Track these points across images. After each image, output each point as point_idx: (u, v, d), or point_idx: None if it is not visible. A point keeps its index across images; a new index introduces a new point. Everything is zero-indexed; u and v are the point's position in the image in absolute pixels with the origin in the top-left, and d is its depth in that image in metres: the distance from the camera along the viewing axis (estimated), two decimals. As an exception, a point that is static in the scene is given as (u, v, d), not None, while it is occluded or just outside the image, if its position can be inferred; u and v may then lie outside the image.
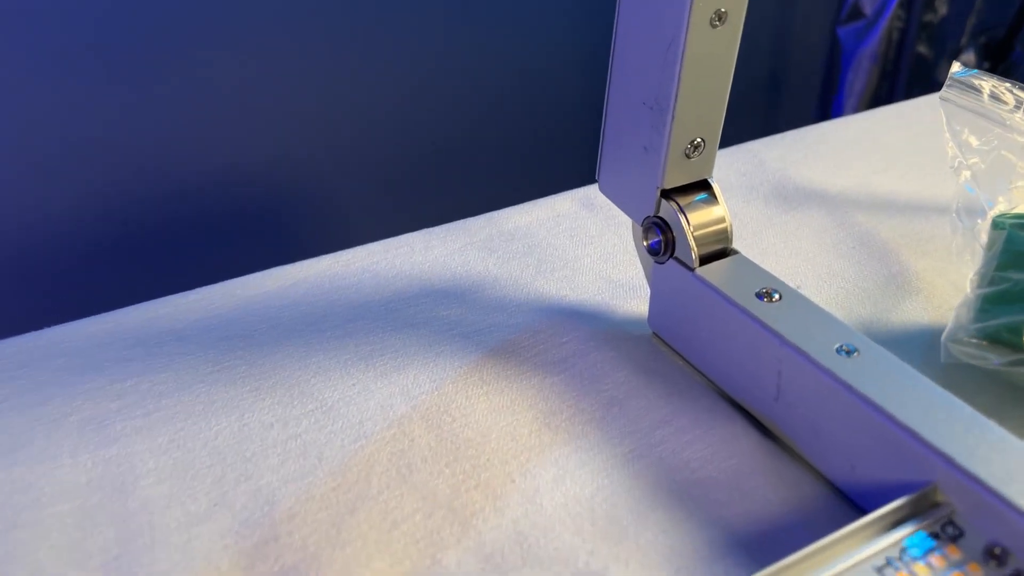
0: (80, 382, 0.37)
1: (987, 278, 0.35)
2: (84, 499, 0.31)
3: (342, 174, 1.03)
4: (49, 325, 0.41)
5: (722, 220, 0.36)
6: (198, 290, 0.42)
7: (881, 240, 0.46)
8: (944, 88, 0.46)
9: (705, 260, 0.36)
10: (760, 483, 0.32)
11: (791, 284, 0.42)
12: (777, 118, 1.53)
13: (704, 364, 0.37)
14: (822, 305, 0.41)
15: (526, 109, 1.12)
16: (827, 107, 1.49)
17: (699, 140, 0.35)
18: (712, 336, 0.36)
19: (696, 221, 0.36)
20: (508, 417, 0.35)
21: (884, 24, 1.44)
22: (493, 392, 0.36)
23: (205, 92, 0.90)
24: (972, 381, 0.35)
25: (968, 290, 0.41)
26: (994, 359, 0.32)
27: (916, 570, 0.26)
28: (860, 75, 1.48)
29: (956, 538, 0.27)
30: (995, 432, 0.28)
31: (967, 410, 0.29)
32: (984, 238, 0.41)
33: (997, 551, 0.26)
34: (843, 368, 0.31)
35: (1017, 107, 0.43)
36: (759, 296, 0.34)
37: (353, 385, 0.36)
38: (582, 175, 0.51)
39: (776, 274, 0.43)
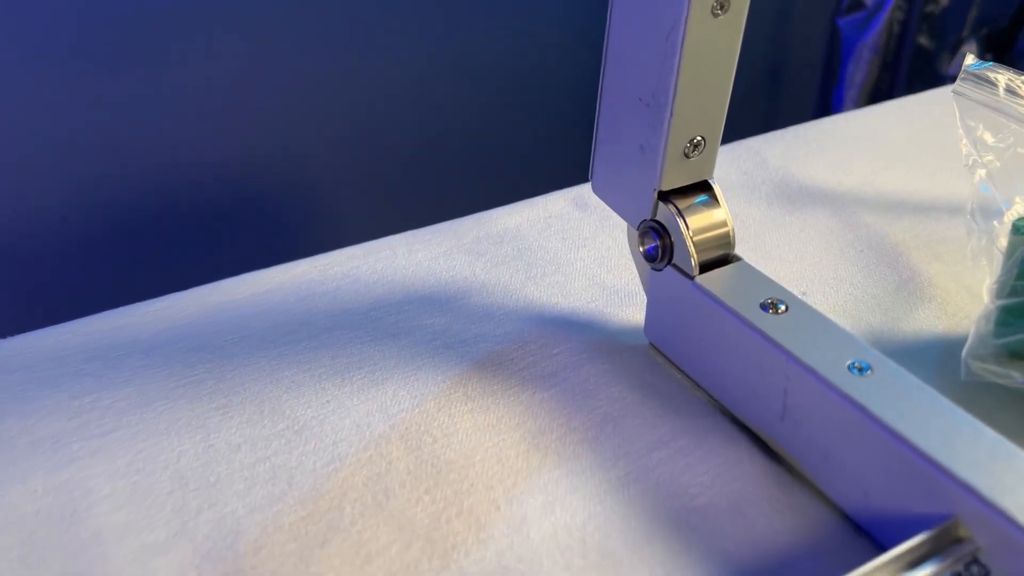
0: (37, 398, 0.34)
1: (1007, 287, 0.32)
2: (32, 530, 0.29)
3: (327, 170, 1.00)
4: (15, 333, 0.38)
5: (723, 224, 0.34)
6: (166, 298, 0.39)
7: (890, 243, 0.44)
8: (957, 81, 0.44)
9: (705, 267, 0.34)
10: (765, 510, 0.30)
11: (796, 291, 0.40)
12: (776, 110, 1.50)
13: (704, 379, 0.34)
14: (829, 314, 0.38)
15: (517, 103, 1.09)
16: (827, 99, 1.47)
17: (699, 138, 0.33)
18: (713, 349, 0.33)
19: (696, 225, 0.33)
20: (494, 437, 0.32)
21: (885, 15, 1.42)
22: (478, 409, 0.34)
23: (184, 90, 0.88)
24: (993, 399, 0.33)
25: (986, 299, 0.38)
26: (1018, 377, 0.30)
27: (938, 614, 0.24)
28: (861, 66, 1.46)
29: (981, 578, 0.25)
30: (1023, 460, 0.26)
31: (991, 435, 0.27)
32: (1002, 242, 0.39)
33: (1027, 593, 0.24)
34: (855, 387, 0.28)
35: (1036, 102, 0.41)
36: (763, 307, 0.32)
37: (327, 402, 0.34)
38: (575, 173, 0.48)
39: (780, 280, 0.40)
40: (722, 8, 0.30)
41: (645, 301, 0.37)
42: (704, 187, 0.34)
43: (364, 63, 0.96)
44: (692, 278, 0.33)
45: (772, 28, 1.41)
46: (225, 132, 0.91)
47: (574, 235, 0.44)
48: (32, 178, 0.85)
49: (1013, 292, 0.32)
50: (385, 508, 0.30)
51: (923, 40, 1.43)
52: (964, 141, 0.43)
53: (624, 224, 0.36)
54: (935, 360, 0.36)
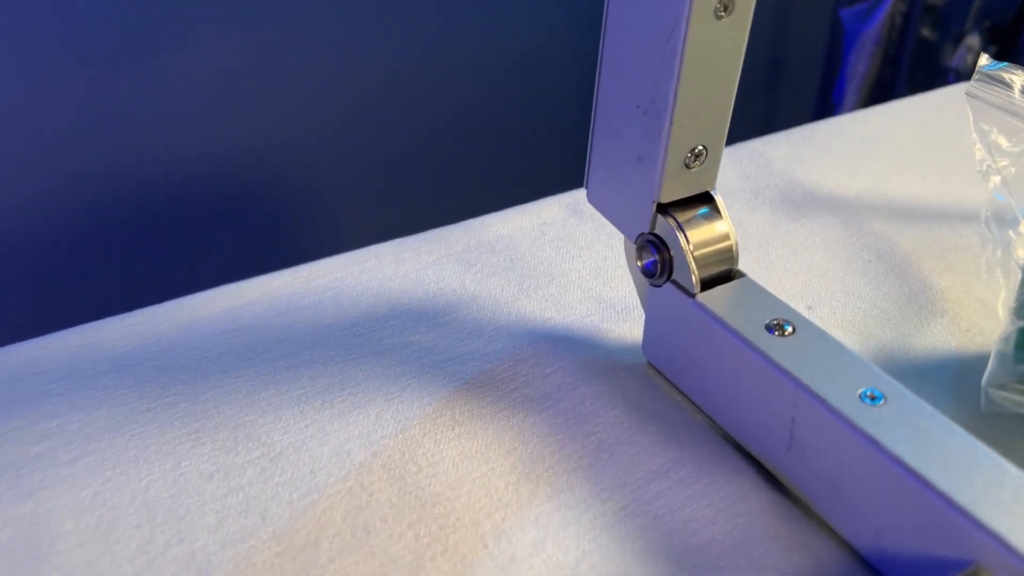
0: (1, 421, 0.32)
1: (1028, 306, 0.30)
2: (-14, 570, 0.27)
3: (315, 172, 0.97)
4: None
5: (726, 238, 0.32)
6: (139, 312, 0.38)
7: (900, 252, 0.42)
8: (971, 83, 0.42)
9: (707, 284, 0.32)
10: (770, 548, 0.28)
11: (802, 306, 0.38)
12: (777, 102, 1.48)
13: (706, 403, 0.33)
14: (837, 329, 0.36)
15: (510, 104, 1.06)
16: (828, 90, 1.45)
17: (700, 148, 0.31)
18: (715, 372, 0.31)
19: (696, 239, 0.31)
20: (482, 466, 0.31)
21: (887, 7, 1.40)
22: (466, 435, 0.32)
23: (165, 87, 0.85)
24: (1017, 430, 0.31)
25: (1002, 315, 0.37)
26: (1043, 407, 0.28)
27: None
28: (863, 58, 1.44)
29: (1005, 631, 0.23)
30: (1050, 501, 0.24)
31: (1016, 474, 0.25)
32: (1020, 254, 0.37)
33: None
34: (867, 418, 0.27)
35: (1056, 106, 0.39)
36: (769, 328, 0.30)
37: (306, 427, 0.32)
38: (571, 177, 0.46)
39: (785, 293, 0.39)
40: (726, 10, 0.28)
41: (643, 317, 0.35)
42: (706, 199, 0.32)
43: (353, 62, 0.94)
44: (693, 296, 0.31)
45: (773, 19, 1.38)
46: (206, 131, 0.89)
47: (569, 244, 0.42)
48: (4, 176, 0.83)
49: (1034, 313, 0.30)
50: (365, 544, 0.28)
51: (926, 32, 1.41)
52: (978, 146, 0.41)
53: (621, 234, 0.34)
54: (950, 381, 0.34)
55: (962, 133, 0.39)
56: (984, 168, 0.41)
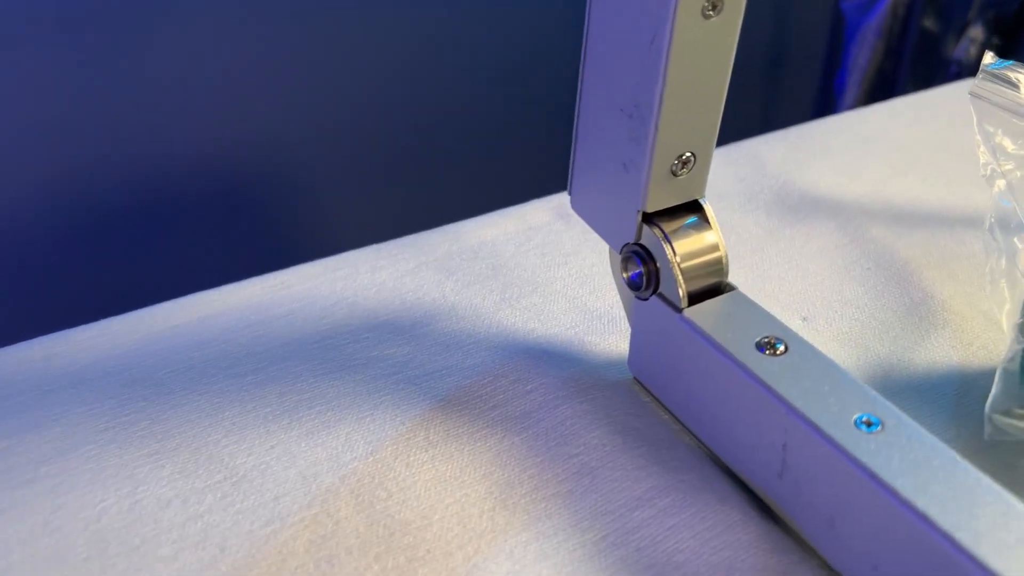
0: (-49, 440, 0.31)
1: (1035, 324, 0.29)
2: (-76, 607, 0.25)
3: (301, 172, 0.95)
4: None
5: (715, 248, 0.30)
6: (104, 322, 0.36)
7: (900, 260, 0.40)
8: (975, 82, 0.40)
9: (695, 298, 0.30)
10: (760, 583, 0.26)
11: (797, 317, 0.36)
12: (777, 95, 1.46)
13: (694, 423, 0.31)
14: (833, 342, 0.35)
15: (495, 103, 1.03)
16: (830, 83, 1.43)
17: (688, 155, 0.29)
18: (703, 392, 0.30)
19: (684, 251, 0.30)
20: (456, 491, 0.29)
21: (889, -3, 1.37)
22: (440, 457, 0.30)
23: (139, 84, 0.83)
24: (1014, 471, 0.29)
25: (1005, 327, 0.35)
26: (1052, 436, 0.26)
27: None
28: (864, 50, 1.42)
29: None
30: (1059, 541, 0.22)
31: (1022, 511, 0.23)
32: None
33: None
34: (863, 446, 0.25)
35: (1065, 108, 0.37)
36: (760, 347, 0.28)
37: (272, 448, 0.30)
38: (559, 180, 0.44)
39: (780, 303, 0.37)
40: (714, 9, 0.26)
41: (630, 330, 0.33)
42: (694, 207, 0.31)
43: (340, 61, 0.91)
44: (680, 311, 0.30)
45: (774, 11, 1.36)
46: (185, 127, 0.86)
47: (555, 250, 0.40)
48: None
49: (1041, 332, 0.28)
50: (329, 579, 0.26)
51: (928, 23, 1.39)
52: (982, 148, 0.39)
53: (607, 243, 0.32)
54: (952, 400, 0.32)
55: (967, 132, 0.38)
56: (988, 172, 0.39)
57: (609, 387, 0.33)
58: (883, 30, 1.40)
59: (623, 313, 0.37)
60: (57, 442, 0.31)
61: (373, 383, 0.33)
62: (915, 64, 1.41)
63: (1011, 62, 0.41)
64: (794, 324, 0.36)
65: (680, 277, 0.29)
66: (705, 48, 0.27)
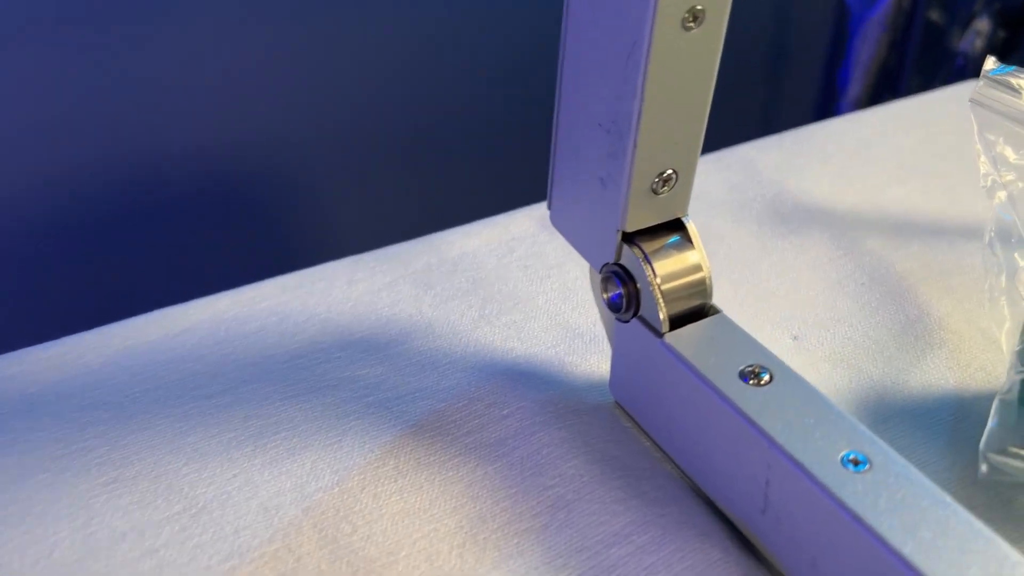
0: (-99, 466, 0.29)
1: (1034, 352, 0.27)
2: None
3: (288, 172, 0.93)
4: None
5: (698, 269, 0.29)
6: (64, 340, 0.35)
7: (896, 274, 0.38)
8: (976, 88, 0.38)
9: (677, 321, 0.29)
10: (740, 628, 0.25)
11: (787, 336, 0.35)
12: (779, 90, 1.44)
13: (676, 452, 0.30)
14: (824, 363, 0.33)
15: (480, 107, 1.01)
16: (833, 77, 1.41)
17: (670, 172, 0.28)
18: (684, 420, 0.28)
19: (665, 271, 0.28)
20: (425, 525, 0.28)
21: (895, -10, 1.35)
22: (409, 488, 0.29)
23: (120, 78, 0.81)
24: (1011, 505, 0.28)
25: (1005, 348, 0.33)
26: (1050, 476, 0.25)
27: None
28: (868, 43, 1.40)
29: None
30: (1055, 593, 0.21)
31: (1016, 559, 0.22)
32: (1024, 281, 0.34)
33: None
34: (849, 486, 0.23)
35: (1069, 118, 0.36)
36: (744, 376, 0.27)
37: (234, 477, 0.29)
38: (544, 188, 0.43)
39: (769, 320, 0.35)
40: (695, 20, 0.25)
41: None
42: (676, 226, 0.29)
43: (333, 60, 0.90)
44: (661, 336, 0.28)
45: (776, 4, 1.34)
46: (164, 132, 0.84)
47: (538, 262, 0.39)
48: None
49: (1041, 361, 0.27)
50: (287, 621, 0.25)
51: (933, 15, 1.37)
52: (982, 158, 0.38)
53: (587, 263, 0.31)
54: (947, 427, 0.31)
55: (970, 138, 0.36)
56: (989, 183, 0.38)
57: (589, 412, 0.31)
58: (887, 23, 1.38)
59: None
60: (9, 471, 0.29)
61: (343, 406, 0.32)
62: (920, 57, 1.39)
63: (1013, 67, 0.39)
64: (784, 343, 0.35)
65: (661, 300, 0.28)
66: (686, 62, 0.25)
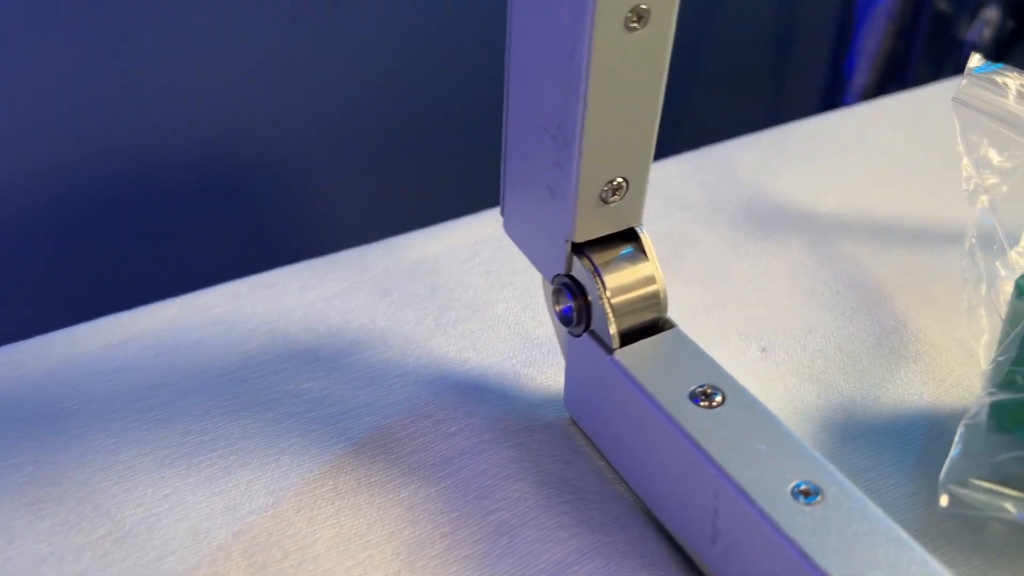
0: None
1: (1002, 373, 0.25)
2: None
3: (282, 167, 0.91)
4: None
5: (652, 281, 0.27)
6: (3, 349, 0.33)
7: (873, 281, 0.37)
8: (959, 87, 0.37)
9: (629, 336, 0.27)
10: (684, 667, 0.23)
11: (754, 346, 0.33)
12: (785, 80, 1.42)
13: (627, 473, 0.28)
14: (792, 376, 0.32)
15: (450, 103, 0.98)
16: (838, 68, 1.39)
17: (619, 180, 0.26)
18: (635, 443, 0.27)
19: (615, 284, 0.27)
20: (359, 552, 0.26)
21: (902, -23, 1.33)
22: (346, 511, 0.27)
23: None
24: (980, 532, 0.26)
25: (982, 362, 0.32)
26: (1015, 512, 0.23)
27: None
28: (875, 33, 1.37)
29: None
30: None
31: (972, 605, 0.20)
32: (1006, 291, 0.32)
33: None
34: (798, 521, 0.22)
35: (1053, 119, 0.34)
36: (694, 397, 0.25)
37: (165, 497, 0.28)
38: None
39: (736, 330, 0.34)
40: (639, 20, 0.23)
41: (566, 366, 0.30)
42: (630, 236, 0.28)
43: (330, 56, 0.88)
44: (611, 352, 0.27)
45: (780, -8, 1.32)
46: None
47: (501, 267, 0.37)
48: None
49: (1009, 383, 0.25)
50: (206, 655, 0.24)
51: (941, 4, 1.35)
52: (965, 161, 0.36)
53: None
54: (919, 445, 0.29)
55: (955, 136, 0.34)
56: (971, 187, 0.36)
57: (541, 429, 0.30)
58: (895, 12, 1.35)
59: (567, 341, 0.34)
60: (-64, 487, 0.28)
61: (284, 422, 0.30)
62: (928, 47, 1.37)
63: (999, 65, 0.38)
64: (751, 355, 0.33)
65: (611, 314, 0.27)
66: (631, 64, 0.24)
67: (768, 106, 1.35)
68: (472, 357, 0.33)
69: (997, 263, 0.34)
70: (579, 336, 0.28)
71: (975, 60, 0.37)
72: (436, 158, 0.98)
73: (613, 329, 0.27)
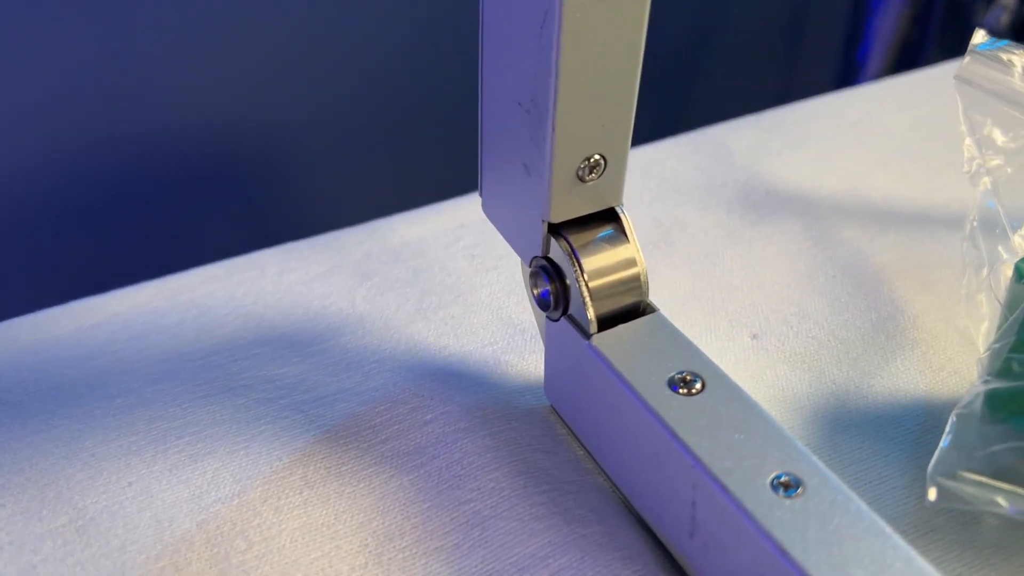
0: None
1: (999, 359, 0.24)
2: None
3: (279, 153, 0.90)
4: None
5: (632, 264, 0.26)
6: (-30, 333, 0.32)
7: (872, 266, 0.35)
8: (962, 64, 0.35)
9: (608, 321, 0.26)
10: (658, 666, 0.22)
11: (746, 333, 0.32)
12: (795, 67, 1.40)
13: (606, 462, 0.27)
14: (784, 364, 0.31)
15: (434, 85, 0.96)
16: (851, 54, 1.37)
17: (597, 157, 0.25)
18: (613, 431, 0.26)
19: (593, 267, 0.26)
20: (326, 542, 0.25)
21: (917, -38, 1.31)
22: (314, 501, 0.26)
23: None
24: (974, 527, 0.25)
25: (981, 349, 0.31)
26: (1007, 506, 0.22)
27: None
28: (889, 18, 1.35)
29: None
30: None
31: (957, 604, 0.19)
32: (1006, 274, 0.31)
33: None
34: (776, 514, 0.21)
35: (1058, 96, 0.33)
36: (673, 384, 0.24)
37: (129, 485, 0.27)
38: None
39: (728, 316, 0.33)
40: (613, -13, 0.22)
41: (546, 352, 0.29)
42: (610, 216, 0.26)
43: (325, 51, 0.86)
44: (588, 337, 0.26)
45: (791, -23, 1.30)
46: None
47: (485, 252, 0.36)
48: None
49: (1006, 371, 0.24)
50: (162, 649, 0.23)
51: (957, -13, 1.33)
52: (967, 141, 0.35)
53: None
54: (912, 435, 0.28)
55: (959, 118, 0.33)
56: (973, 168, 0.35)
57: (520, 417, 0.29)
58: (909, -3, 1.33)
59: (550, 327, 0.33)
60: None
61: (255, 409, 0.29)
62: (943, 33, 1.35)
63: (1005, 42, 0.36)
64: (742, 342, 0.32)
65: (588, 298, 0.25)
66: (605, 34, 0.23)
67: (780, 92, 1.34)
68: (452, 343, 0.32)
69: (999, 247, 0.32)
70: (557, 321, 0.27)
71: (979, 37, 0.36)
72: (420, 140, 0.97)
73: (591, 313, 0.26)
